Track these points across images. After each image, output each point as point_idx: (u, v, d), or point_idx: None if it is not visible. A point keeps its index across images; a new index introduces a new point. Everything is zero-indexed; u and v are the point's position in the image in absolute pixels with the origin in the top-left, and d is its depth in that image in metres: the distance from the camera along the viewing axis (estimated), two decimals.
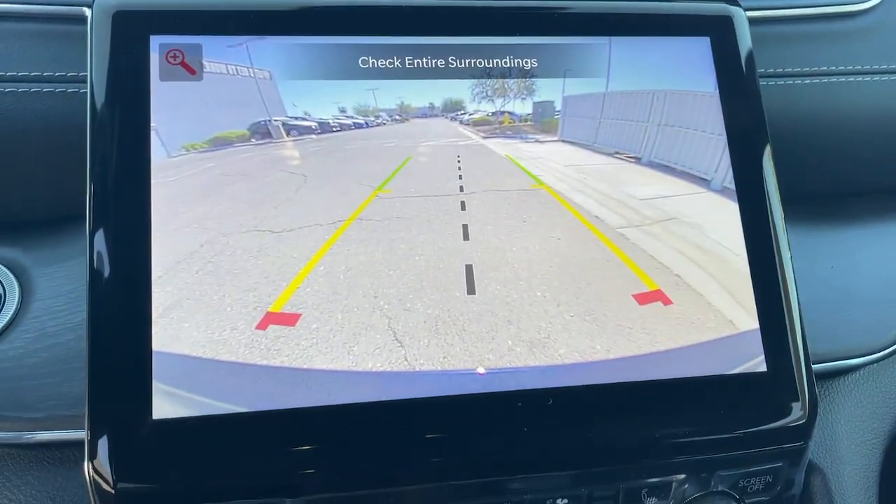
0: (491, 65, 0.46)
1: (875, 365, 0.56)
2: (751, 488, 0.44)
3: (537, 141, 0.47)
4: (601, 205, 0.46)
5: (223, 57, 0.43)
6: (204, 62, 0.43)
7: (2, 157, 0.48)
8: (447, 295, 0.42)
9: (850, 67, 0.58)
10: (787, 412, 0.43)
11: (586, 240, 0.44)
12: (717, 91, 0.47)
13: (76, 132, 0.42)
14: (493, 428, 0.40)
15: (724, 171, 0.46)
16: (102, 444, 0.37)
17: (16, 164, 0.49)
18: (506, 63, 0.46)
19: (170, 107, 0.41)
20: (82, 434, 0.37)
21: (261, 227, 0.41)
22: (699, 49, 0.48)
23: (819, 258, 0.58)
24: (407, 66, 0.45)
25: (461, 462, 0.40)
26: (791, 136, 0.56)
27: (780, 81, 0.56)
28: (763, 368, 0.43)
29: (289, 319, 0.40)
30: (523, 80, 0.46)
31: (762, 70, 0.54)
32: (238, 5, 0.43)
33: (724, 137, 0.47)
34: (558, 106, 0.47)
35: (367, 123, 0.45)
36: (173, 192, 0.40)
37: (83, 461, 0.37)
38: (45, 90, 0.47)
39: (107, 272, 0.39)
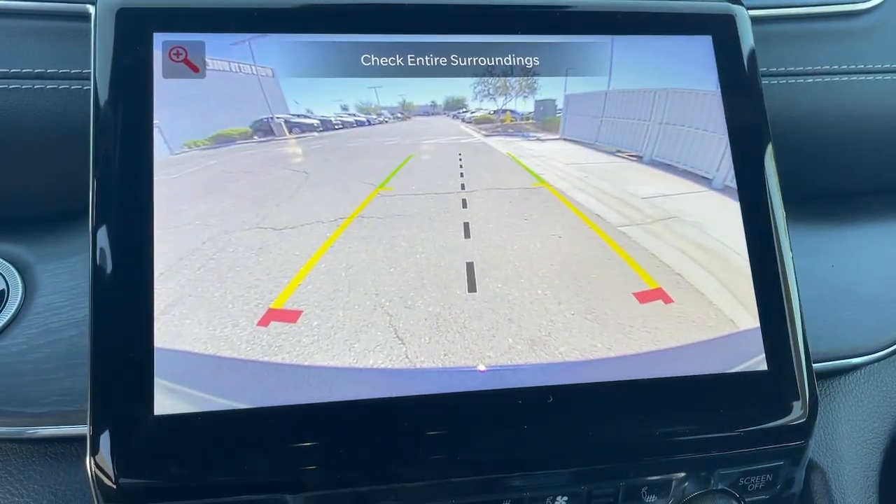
0: (493, 63, 0.46)
1: (876, 364, 0.56)
2: (751, 487, 0.44)
3: (539, 139, 0.47)
4: (602, 203, 0.46)
5: (226, 54, 0.43)
6: (207, 59, 0.43)
7: (5, 153, 0.48)
8: (448, 292, 0.42)
9: (853, 66, 0.58)
10: (788, 411, 0.44)
11: (587, 238, 0.44)
12: (719, 90, 0.47)
13: (79, 129, 0.42)
14: (494, 425, 0.40)
15: (725, 169, 0.46)
16: (104, 440, 0.37)
17: (19, 160, 0.49)
18: (508, 61, 0.46)
19: (173, 104, 0.42)
20: (84, 429, 0.37)
21: (263, 225, 0.42)
22: (701, 48, 0.48)
23: (820, 257, 0.58)
24: (409, 63, 0.45)
25: (461, 459, 0.40)
26: (793, 135, 0.56)
27: (783, 80, 0.56)
28: (764, 367, 0.43)
29: (290, 316, 0.40)
30: (525, 78, 0.46)
31: (764, 69, 0.54)
32: (241, 3, 0.43)
33: (726, 136, 0.47)
34: (560, 104, 0.47)
35: (369, 121, 0.45)
36: (176, 189, 0.41)
37: (85, 456, 0.37)
38: (48, 87, 0.47)
39: (109, 269, 0.39)
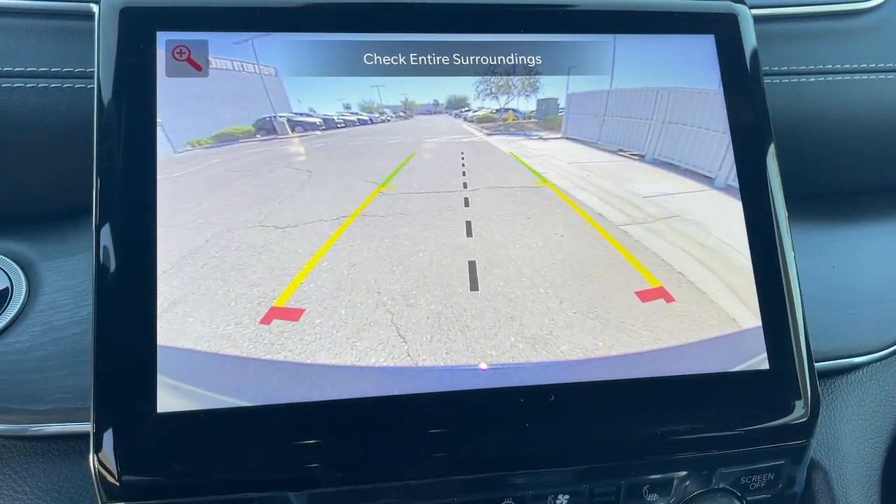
0: (495, 62, 0.46)
1: (878, 363, 0.56)
2: (753, 485, 0.44)
3: (541, 138, 0.47)
4: (604, 202, 0.46)
5: (229, 53, 0.43)
6: (210, 58, 0.43)
7: (9, 151, 0.49)
8: (450, 291, 0.42)
9: (855, 66, 0.58)
10: (790, 410, 0.44)
11: (589, 237, 0.44)
12: (722, 89, 0.47)
13: (83, 128, 0.43)
14: (495, 424, 0.40)
15: (727, 168, 0.46)
16: (107, 437, 0.37)
17: (23, 158, 0.49)
18: (510, 60, 0.46)
19: (176, 103, 0.42)
20: (88, 427, 0.37)
21: (265, 223, 0.42)
22: (704, 47, 0.48)
23: (822, 256, 0.58)
24: (411, 62, 0.45)
25: (463, 457, 0.40)
26: (795, 134, 0.56)
27: (785, 79, 0.56)
28: (765, 366, 0.43)
29: (293, 314, 0.40)
30: (527, 77, 0.46)
31: (767, 68, 0.54)
32: (244, 2, 0.44)
33: (728, 135, 0.47)
34: (562, 103, 0.47)
35: (371, 120, 0.45)
36: (179, 187, 0.41)
37: (88, 453, 0.37)
38: (52, 86, 0.48)
39: (113, 267, 0.39)
